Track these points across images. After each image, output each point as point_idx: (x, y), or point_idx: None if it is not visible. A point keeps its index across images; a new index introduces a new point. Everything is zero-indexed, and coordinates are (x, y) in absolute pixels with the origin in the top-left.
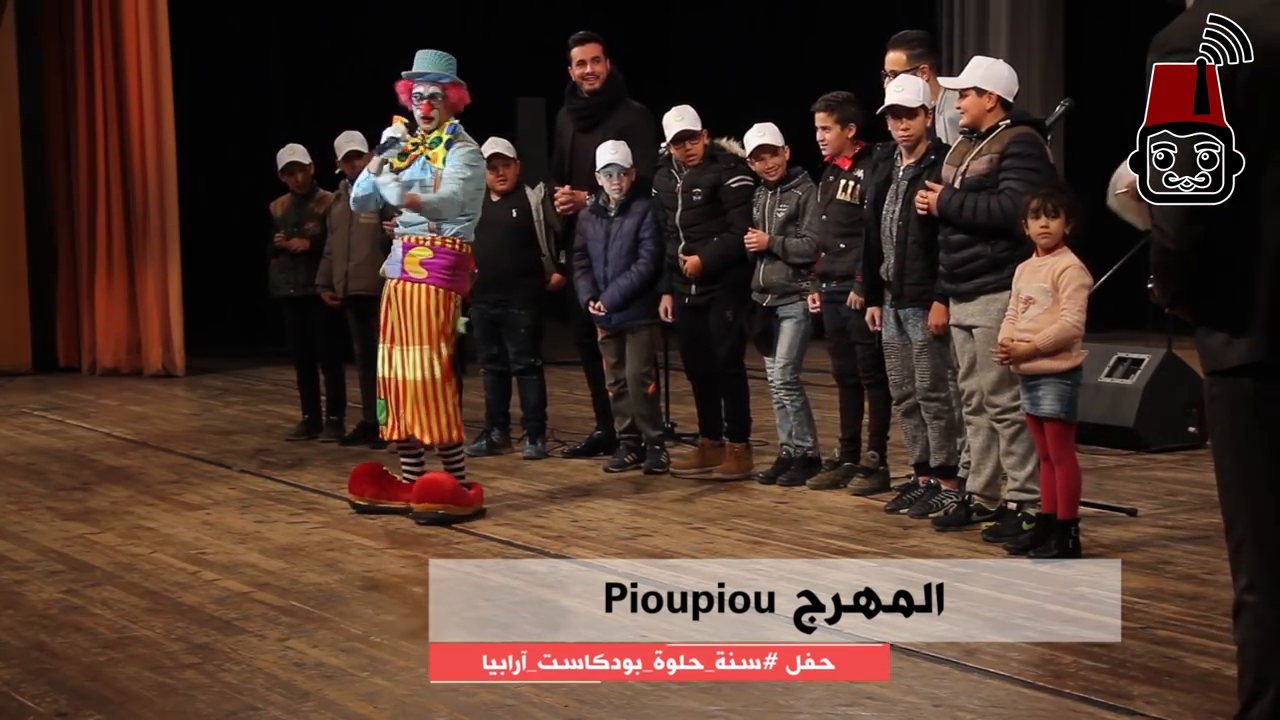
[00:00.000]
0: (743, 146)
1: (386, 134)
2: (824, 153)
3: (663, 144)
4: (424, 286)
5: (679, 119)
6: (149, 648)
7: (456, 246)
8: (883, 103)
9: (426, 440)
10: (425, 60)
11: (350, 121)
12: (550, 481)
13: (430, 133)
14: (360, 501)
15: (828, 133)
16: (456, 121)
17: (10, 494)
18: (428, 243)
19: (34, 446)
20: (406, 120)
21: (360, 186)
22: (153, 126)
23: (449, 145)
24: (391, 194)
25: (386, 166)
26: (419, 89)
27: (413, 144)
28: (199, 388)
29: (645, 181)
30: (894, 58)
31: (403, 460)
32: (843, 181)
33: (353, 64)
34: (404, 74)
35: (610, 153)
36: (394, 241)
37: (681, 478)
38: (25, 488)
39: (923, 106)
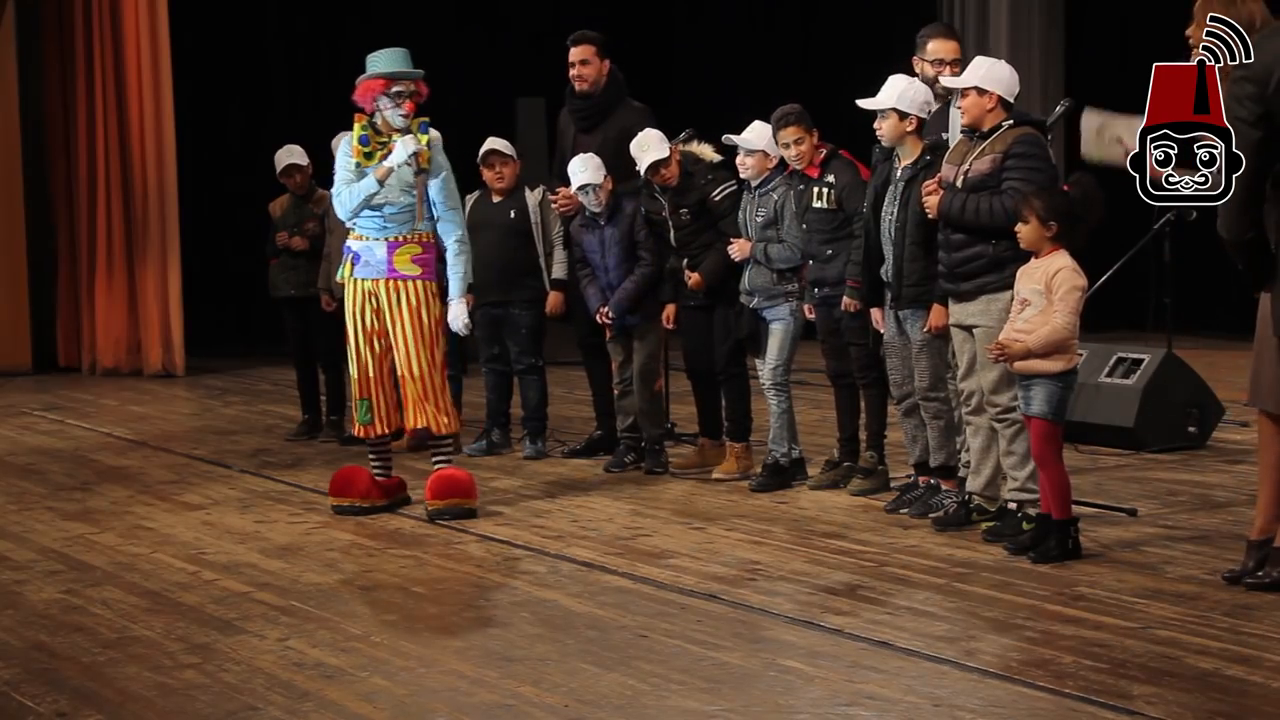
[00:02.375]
0: (714, 150)
1: (408, 149)
2: (798, 166)
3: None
4: (419, 282)
5: (645, 149)
6: (149, 648)
7: (434, 240)
8: (892, 102)
9: (443, 430)
10: (399, 59)
11: (349, 122)
12: (550, 481)
13: (405, 131)
14: (350, 504)
15: (800, 145)
16: (426, 120)
17: (10, 494)
18: (415, 239)
19: (34, 446)
20: (368, 119)
21: (357, 194)
22: (153, 126)
23: (429, 145)
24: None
25: (412, 164)
26: (399, 88)
27: (380, 141)
28: (199, 388)
29: (636, 184)
30: (947, 46)
31: (373, 459)
32: (815, 189)
33: (352, 64)
34: (380, 73)
35: (581, 171)
36: (360, 243)
37: (681, 478)
38: (25, 488)
39: (895, 110)
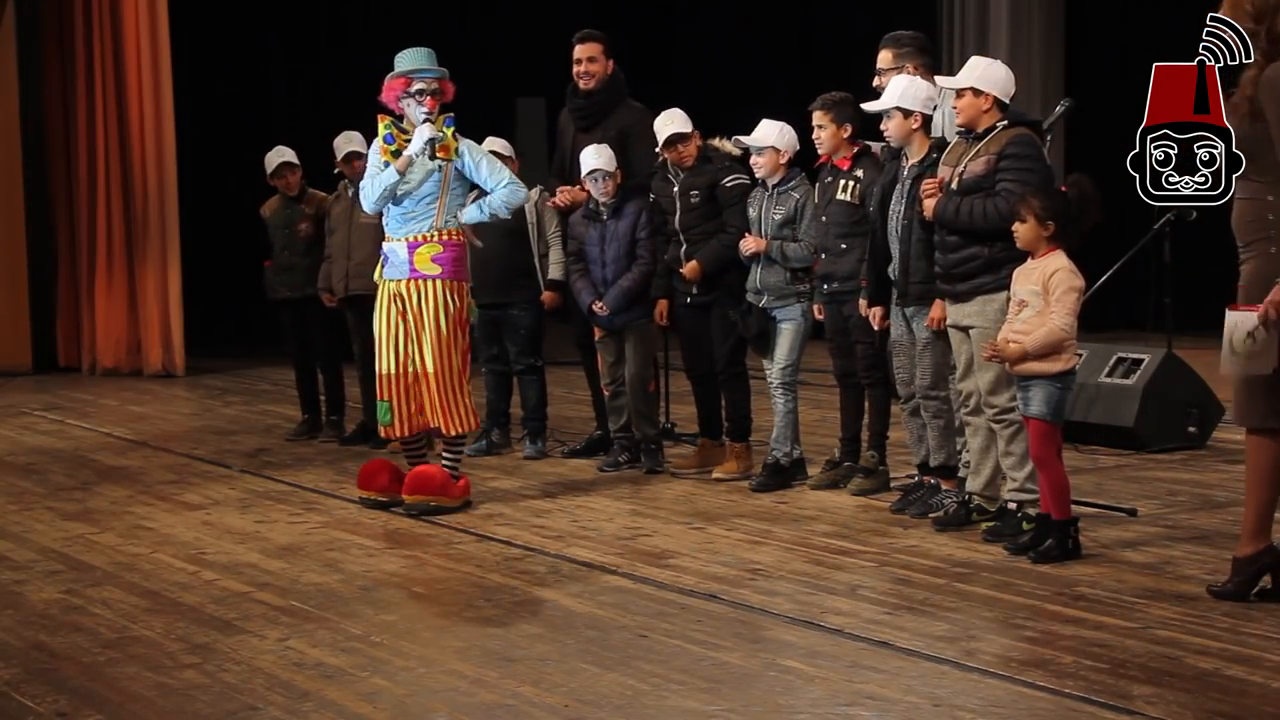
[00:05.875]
0: (736, 146)
1: (423, 136)
2: (820, 152)
3: (657, 148)
4: (439, 281)
5: (669, 122)
6: (149, 648)
7: (460, 238)
8: (895, 102)
9: (454, 431)
10: (422, 57)
11: (349, 122)
12: (550, 481)
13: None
14: (369, 496)
15: (823, 131)
16: (452, 115)
17: (10, 494)
18: (436, 238)
19: (34, 446)
20: (391, 119)
21: (378, 185)
22: (153, 126)
23: (456, 138)
24: (484, 212)
25: (427, 150)
26: (420, 85)
27: (406, 140)
28: (199, 388)
29: (643, 181)
30: (882, 56)
31: (408, 456)
32: (842, 181)
33: (352, 64)
34: (401, 71)
35: (594, 158)
36: (388, 245)
37: (681, 478)
38: (25, 488)
39: (899, 109)
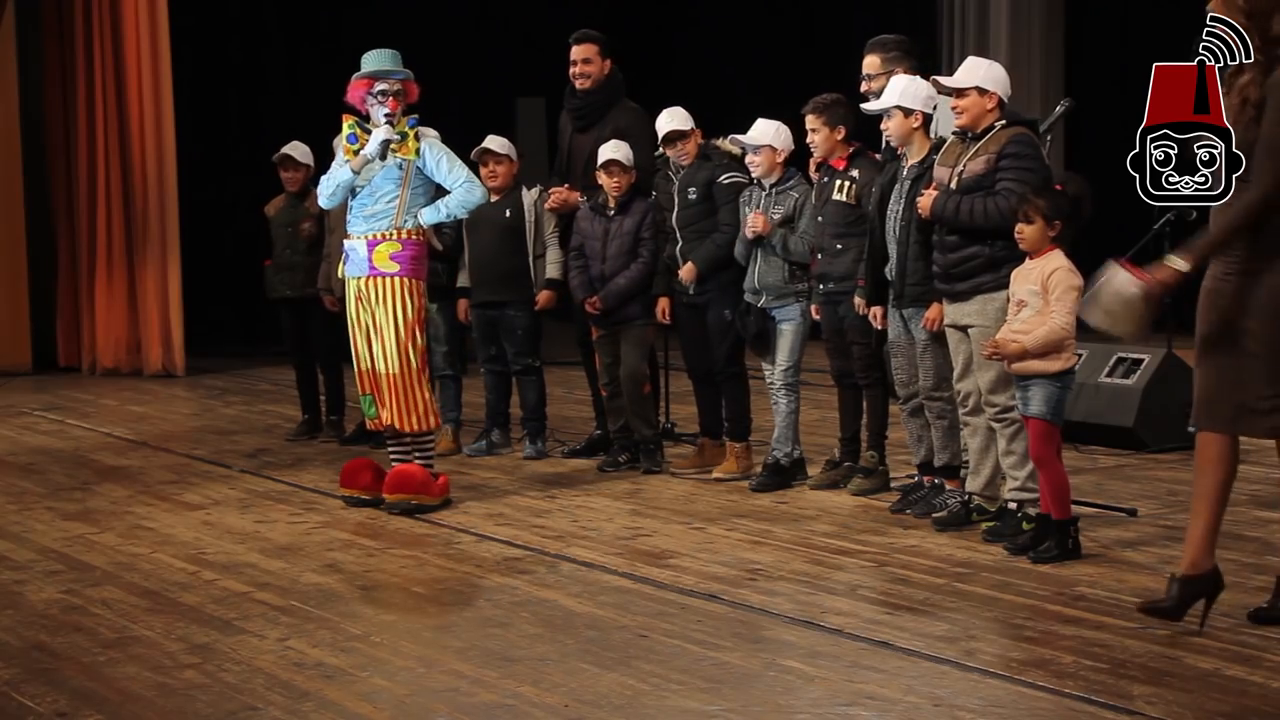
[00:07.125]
0: (734, 145)
1: (378, 139)
2: (814, 154)
3: (659, 146)
4: (397, 279)
5: (669, 120)
6: (149, 648)
7: (419, 237)
8: (895, 101)
9: (409, 429)
10: (386, 59)
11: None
12: (550, 481)
13: (393, 128)
14: (352, 494)
15: (816, 135)
16: (415, 115)
17: (10, 494)
18: (394, 236)
19: (34, 446)
20: (356, 119)
21: (331, 182)
22: (153, 126)
23: (418, 138)
24: (443, 212)
25: (380, 152)
26: (383, 86)
27: (368, 139)
28: (199, 388)
29: (644, 181)
30: (868, 61)
31: (391, 451)
32: (838, 181)
33: (353, 64)
34: (365, 73)
35: (612, 150)
36: (349, 242)
37: (681, 478)
38: (25, 488)
39: (899, 108)
